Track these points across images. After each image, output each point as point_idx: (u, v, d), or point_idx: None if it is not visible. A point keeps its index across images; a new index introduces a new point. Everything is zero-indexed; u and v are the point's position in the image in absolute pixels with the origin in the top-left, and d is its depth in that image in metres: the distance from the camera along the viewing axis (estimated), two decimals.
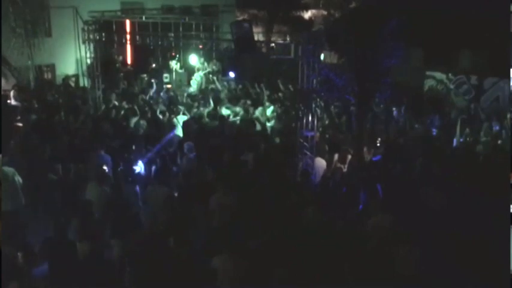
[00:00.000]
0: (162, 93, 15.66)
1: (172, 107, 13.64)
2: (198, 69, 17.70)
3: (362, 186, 8.32)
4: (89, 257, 6.00)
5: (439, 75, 16.99)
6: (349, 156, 9.92)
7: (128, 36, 14.58)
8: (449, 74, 16.70)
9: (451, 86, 16.60)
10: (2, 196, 6.89)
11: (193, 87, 16.58)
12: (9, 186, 7.61)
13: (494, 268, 5.88)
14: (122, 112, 12.76)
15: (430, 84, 17.15)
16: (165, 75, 18.24)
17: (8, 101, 14.08)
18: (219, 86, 16.56)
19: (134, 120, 11.90)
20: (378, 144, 10.72)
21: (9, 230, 6.09)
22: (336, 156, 10.09)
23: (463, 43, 17.01)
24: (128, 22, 17.14)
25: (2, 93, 15.05)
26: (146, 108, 13.14)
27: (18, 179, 7.96)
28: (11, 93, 14.49)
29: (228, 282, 5.64)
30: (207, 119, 12.28)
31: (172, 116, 12.41)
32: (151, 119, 12.15)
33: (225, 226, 7.07)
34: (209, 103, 13.97)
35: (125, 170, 8.79)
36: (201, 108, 13.47)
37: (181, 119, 12.16)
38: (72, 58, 18.17)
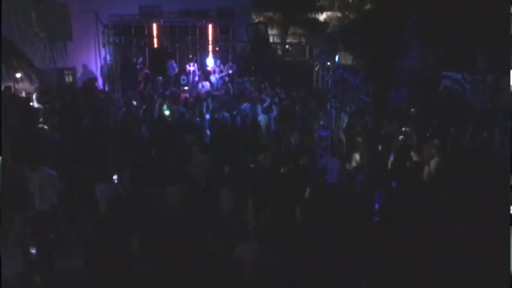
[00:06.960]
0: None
1: (197, 107, 13.96)
2: (214, 71, 17.93)
3: (379, 184, 8.42)
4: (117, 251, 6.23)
5: (454, 75, 16.92)
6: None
7: (147, 40, 14.92)
8: (465, 74, 16.62)
9: (467, 86, 16.52)
10: None
11: (206, 89, 16.77)
12: None
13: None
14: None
15: (445, 84, 17.08)
16: (183, 77, 18.50)
17: (31, 103, 14.44)
18: (231, 89, 16.78)
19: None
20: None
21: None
22: (357, 155, 10.19)
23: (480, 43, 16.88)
24: (146, 26, 17.50)
25: (26, 96, 15.45)
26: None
27: None
28: (34, 96, 14.86)
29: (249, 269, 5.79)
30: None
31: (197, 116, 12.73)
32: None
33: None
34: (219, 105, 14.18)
35: (146, 168, 9.03)
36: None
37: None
38: (92, 61, 18.63)
